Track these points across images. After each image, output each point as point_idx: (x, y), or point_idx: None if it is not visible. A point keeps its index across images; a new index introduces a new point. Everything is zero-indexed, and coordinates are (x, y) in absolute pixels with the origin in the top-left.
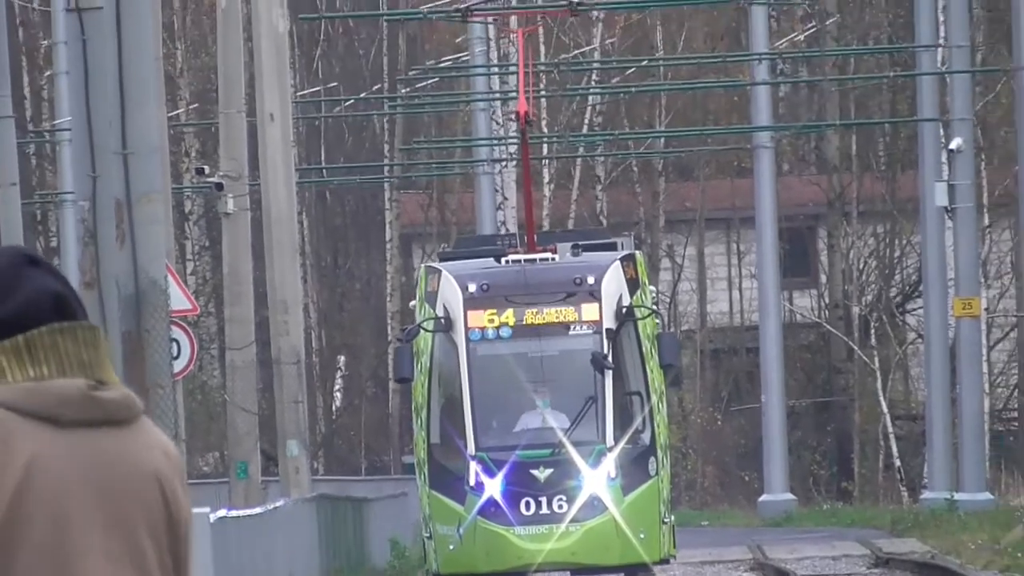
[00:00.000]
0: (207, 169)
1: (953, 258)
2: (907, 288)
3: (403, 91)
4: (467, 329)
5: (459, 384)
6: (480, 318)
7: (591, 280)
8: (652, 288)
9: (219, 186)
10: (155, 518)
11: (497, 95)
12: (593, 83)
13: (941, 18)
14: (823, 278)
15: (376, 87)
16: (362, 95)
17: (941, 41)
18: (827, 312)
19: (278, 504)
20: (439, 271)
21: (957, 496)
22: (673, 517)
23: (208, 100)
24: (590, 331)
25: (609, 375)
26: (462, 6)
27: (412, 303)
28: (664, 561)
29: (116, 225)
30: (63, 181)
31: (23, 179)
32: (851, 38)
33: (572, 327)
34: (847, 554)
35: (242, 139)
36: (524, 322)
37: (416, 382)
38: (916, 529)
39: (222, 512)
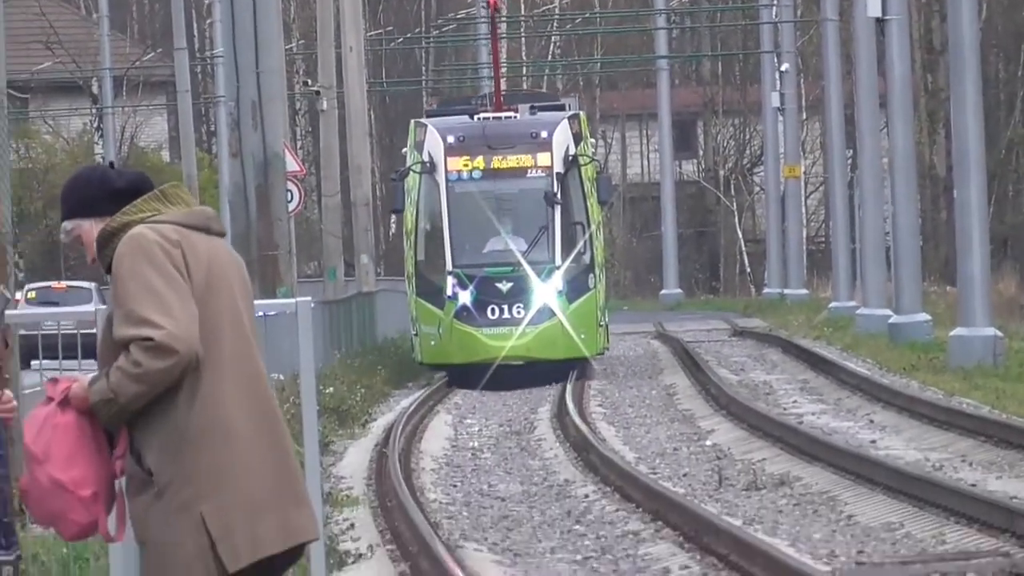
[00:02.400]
0: (310, 82)
1: (783, 140)
2: (754, 159)
3: (434, 33)
4: (447, 171)
5: (440, 215)
6: (457, 163)
7: (544, 134)
8: (592, 140)
9: (318, 93)
10: (249, 288)
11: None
12: (554, 27)
13: None
14: (700, 152)
15: (416, 30)
16: (408, 35)
17: (775, 1)
18: (703, 174)
19: (352, 294)
20: (425, 125)
21: (786, 291)
22: (607, 320)
23: (310, 38)
24: (543, 174)
25: (558, 209)
26: None
27: (403, 150)
28: (600, 354)
29: (252, 117)
30: (218, 89)
31: (192, 88)
32: (717, 2)
33: (529, 171)
34: (715, 328)
35: (332, 63)
36: (492, 167)
37: (406, 213)
38: (759, 312)
39: (317, 300)
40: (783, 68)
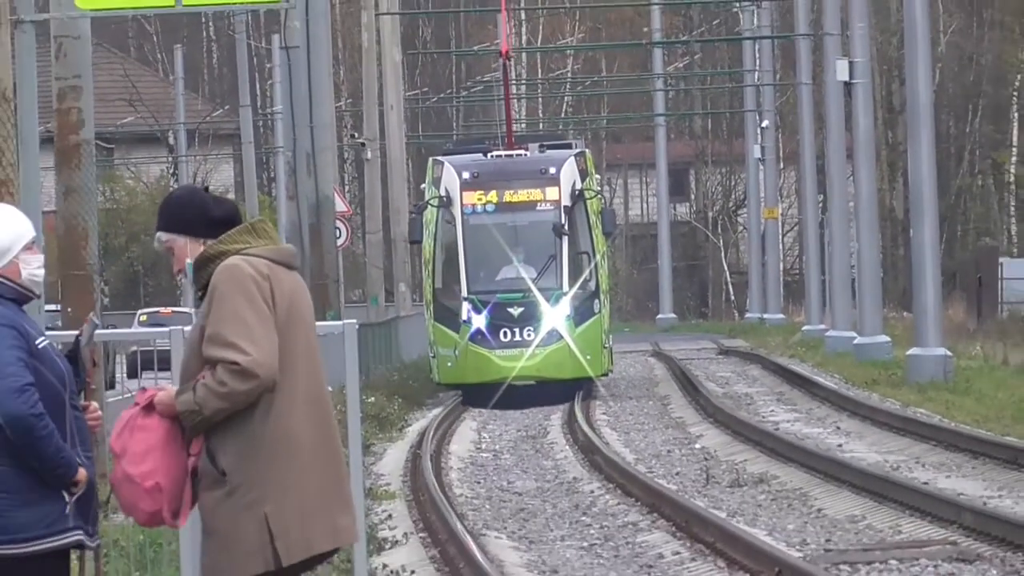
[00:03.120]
0: (356, 135)
1: (763, 186)
2: (738, 202)
3: (463, 93)
4: (462, 205)
5: (456, 245)
6: (472, 197)
7: (553, 170)
8: (597, 176)
9: (363, 144)
10: (313, 314)
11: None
12: (567, 89)
13: (757, 53)
14: (692, 196)
15: (448, 91)
16: (440, 95)
17: (756, 66)
18: (694, 215)
19: (391, 317)
20: (442, 162)
21: (765, 316)
22: (612, 342)
23: (357, 97)
24: (552, 207)
25: (565, 240)
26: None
27: (422, 186)
28: (604, 375)
29: (306, 165)
30: (277, 140)
31: (255, 140)
32: (707, 65)
33: (539, 204)
34: (704, 347)
35: (375, 119)
36: (504, 200)
37: (424, 244)
38: (742, 334)
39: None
40: (763, 124)
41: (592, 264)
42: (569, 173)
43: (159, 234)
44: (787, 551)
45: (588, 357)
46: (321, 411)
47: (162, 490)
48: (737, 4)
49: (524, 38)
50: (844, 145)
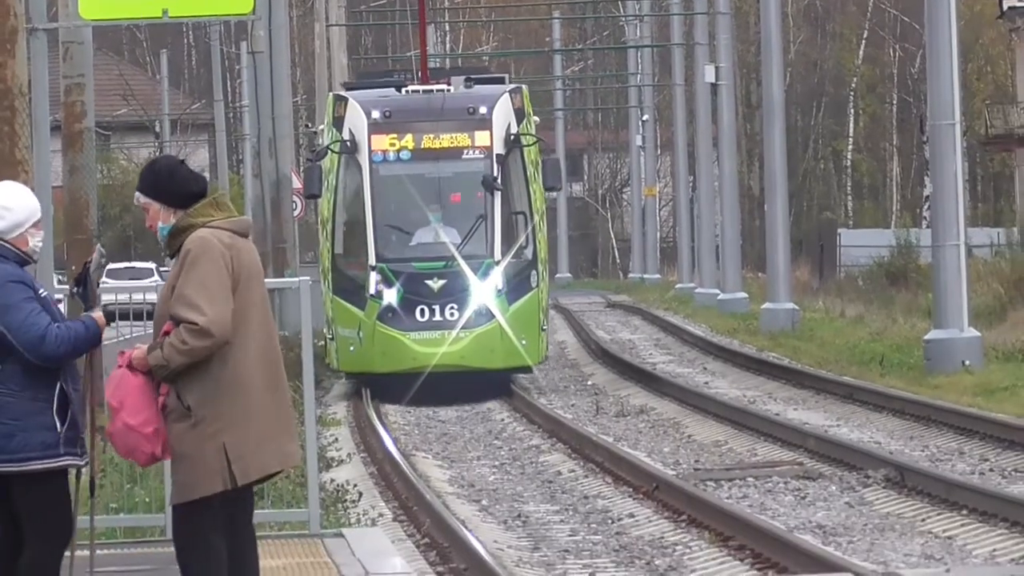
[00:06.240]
0: (310, 124)
1: (643, 169)
2: (623, 182)
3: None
4: (371, 152)
5: (362, 201)
6: (382, 142)
7: (483, 109)
8: (536, 119)
9: (315, 133)
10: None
11: None
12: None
13: (639, 60)
14: (586, 177)
15: None
16: None
17: (639, 70)
18: (587, 193)
19: None
20: (345, 99)
21: (645, 276)
22: (548, 323)
23: (311, 93)
24: (481, 155)
25: (498, 196)
26: None
27: (320, 127)
28: (540, 363)
29: (268, 148)
30: (244, 129)
31: (226, 128)
32: (598, 68)
33: (465, 151)
34: (595, 301)
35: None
36: (422, 146)
37: (323, 199)
38: (626, 291)
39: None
40: (644, 118)
41: (529, 227)
42: (503, 113)
43: (138, 195)
44: (663, 470)
45: (524, 341)
46: (271, 354)
47: (160, 433)
48: (623, 19)
49: (448, 46)
50: (710, 135)
